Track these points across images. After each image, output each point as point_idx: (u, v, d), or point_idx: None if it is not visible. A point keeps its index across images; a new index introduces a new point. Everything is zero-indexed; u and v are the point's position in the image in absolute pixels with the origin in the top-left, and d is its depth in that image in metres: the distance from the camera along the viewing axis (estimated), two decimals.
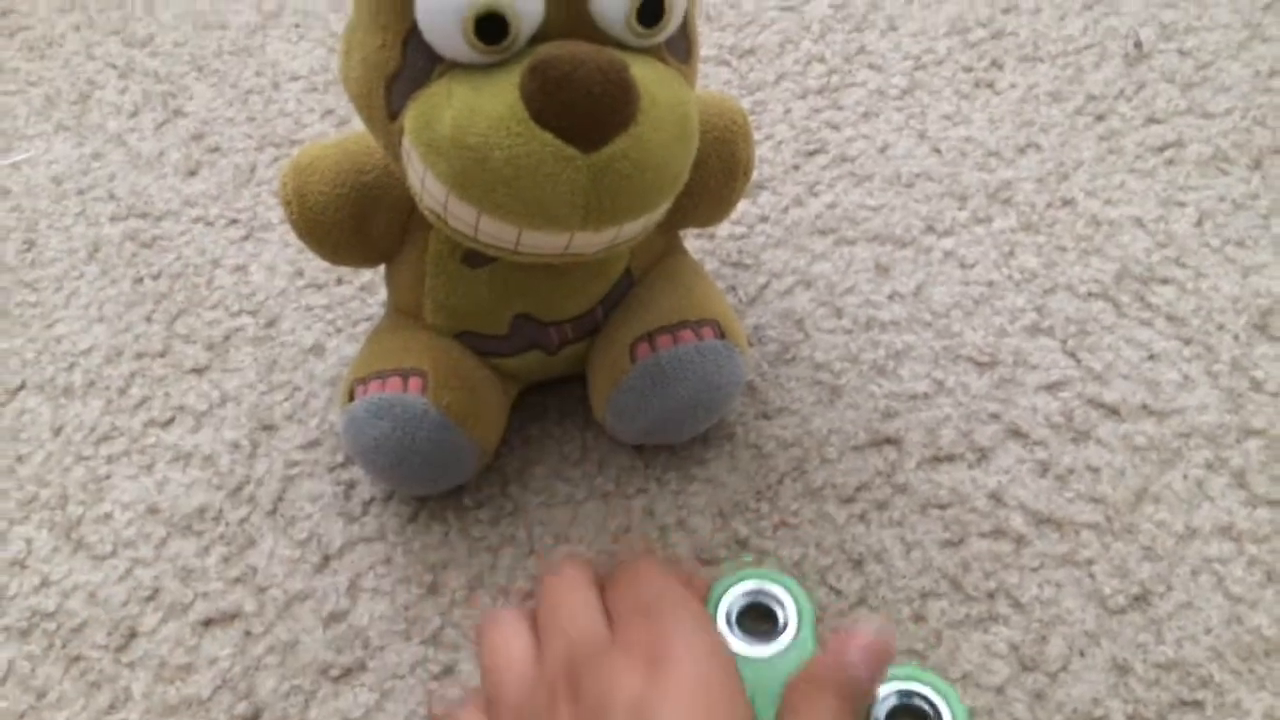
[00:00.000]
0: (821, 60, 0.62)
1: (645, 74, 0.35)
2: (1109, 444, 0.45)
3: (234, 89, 0.67)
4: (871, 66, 0.61)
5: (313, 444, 0.49)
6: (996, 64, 0.60)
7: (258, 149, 0.63)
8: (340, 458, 0.49)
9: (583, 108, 0.34)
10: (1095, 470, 0.45)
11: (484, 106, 0.34)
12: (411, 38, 0.36)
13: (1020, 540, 0.44)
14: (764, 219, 0.55)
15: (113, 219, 0.61)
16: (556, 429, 0.49)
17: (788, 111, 0.60)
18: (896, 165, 0.56)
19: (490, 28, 0.34)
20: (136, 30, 0.72)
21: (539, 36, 0.35)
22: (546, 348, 0.45)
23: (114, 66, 0.70)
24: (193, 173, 0.63)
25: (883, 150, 0.57)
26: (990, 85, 0.59)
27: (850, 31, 0.63)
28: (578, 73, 0.34)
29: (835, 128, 0.58)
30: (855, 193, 0.56)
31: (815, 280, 0.53)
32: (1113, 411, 0.46)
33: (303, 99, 0.66)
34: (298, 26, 0.70)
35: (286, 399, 0.52)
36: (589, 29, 0.35)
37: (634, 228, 0.39)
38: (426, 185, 0.37)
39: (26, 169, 0.64)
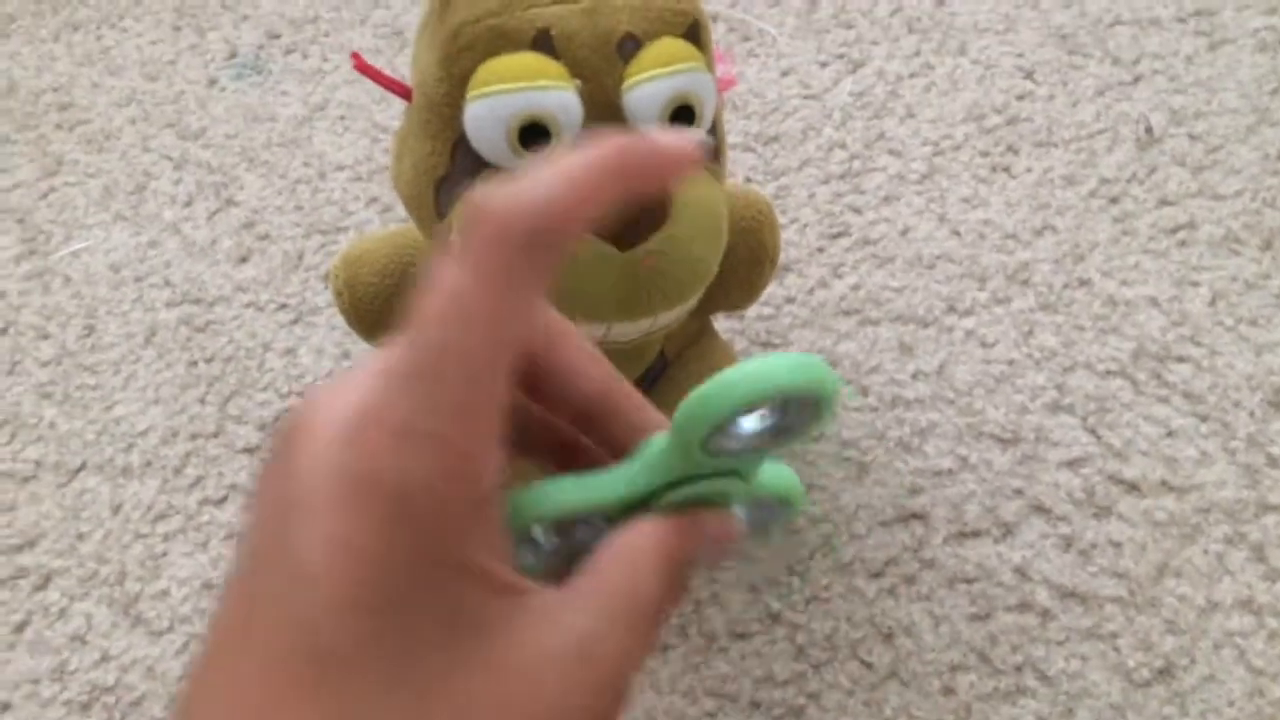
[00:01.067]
0: (843, 146, 0.64)
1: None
2: (1130, 519, 0.47)
3: (282, 179, 0.70)
4: (891, 152, 0.63)
5: None
6: (1012, 149, 0.62)
7: (305, 236, 0.67)
8: None
9: (621, 210, 0.36)
10: (1117, 545, 0.46)
11: None
12: (460, 145, 0.38)
13: (1046, 614, 0.45)
14: (790, 300, 0.57)
15: (168, 305, 0.64)
16: None
17: (811, 196, 0.62)
18: (918, 247, 0.58)
19: (533, 136, 0.37)
20: (190, 123, 0.76)
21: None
22: None
23: (169, 158, 0.74)
24: (244, 259, 0.66)
25: (904, 233, 0.59)
26: (1007, 170, 0.61)
27: (870, 119, 0.66)
28: None
29: (858, 211, 0.61)
30: (878, 274, 0.58)
31: (841, 359, 0.55)
32: (1133, 487, 0.48)
33: (348, 188, 0.69)
34: (343, 119, 0.74)
35: None
36: None
37: (668, 317, 0.41)
38: None
39: (86, 257, 0.68)
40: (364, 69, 0.39)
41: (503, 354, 0.19)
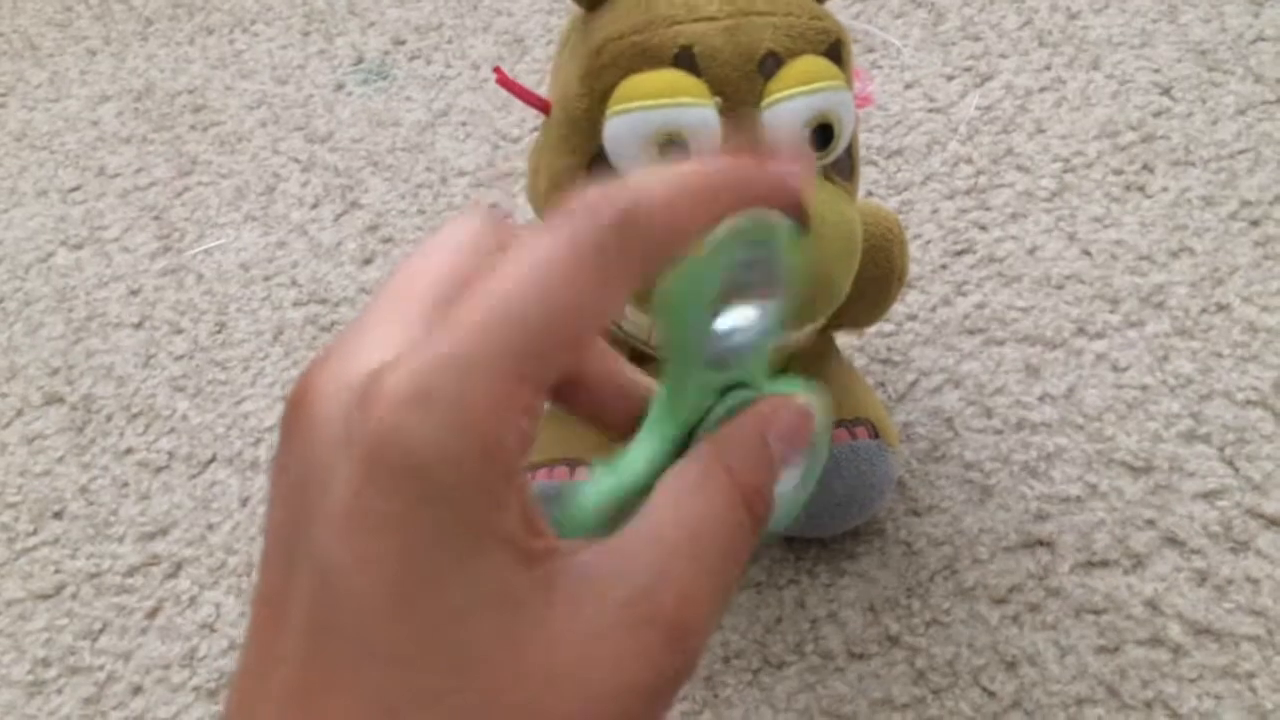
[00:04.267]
0: (969, 161, 0.63)
1: (814, 194, 0.38)
2: (1270, 555, 0.45)
3: (405, 183, 0.72)
4: (1020, 168, 0.62)
5: None
6: (1148, 168, 0.60)
7: None
8: None
9: None
10: (1255, 582, 0.45)
11: None
12: (597, 160, 0.39)
13: (1178, 650, 0.44)
14: (912, 317, 0.56)
15: (295, 304, 0.66)
16: None
17: (935, 211, 0.61)
18: (1046, 267, 0.57)
19: (672, 153, 0.37)
20: (318, 127, 0.78)
21: None
22: None
23: (297, 161, 0.76)
24: (368, 261, 0.67)
25: (1032, 251, 0.58)
26: (1141, 189, 0.59)
27: (998, 133, 0.64)
28: None
29: (983, 228, 0.60)
30: (1004, 293, 0.57)
31: (964, 379, 0.54)
32: (1273, 522, 0.46)
33: (469, 193, 0.70)
34: (464, 125, 0.75)
35: None
36: None
37: (797, 336, 0.41)
38: None
39: (218, 255, 0.70)
40: (506, 83, 0.40)
41: (567, 326, 0.18)
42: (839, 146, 0.38)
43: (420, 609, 0.17)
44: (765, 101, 0.37)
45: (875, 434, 0.45)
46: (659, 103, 0.36)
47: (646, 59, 0.37)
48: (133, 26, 0.92)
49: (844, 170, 0.40)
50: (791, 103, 0.37)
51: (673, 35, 0.37)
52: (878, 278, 0.46)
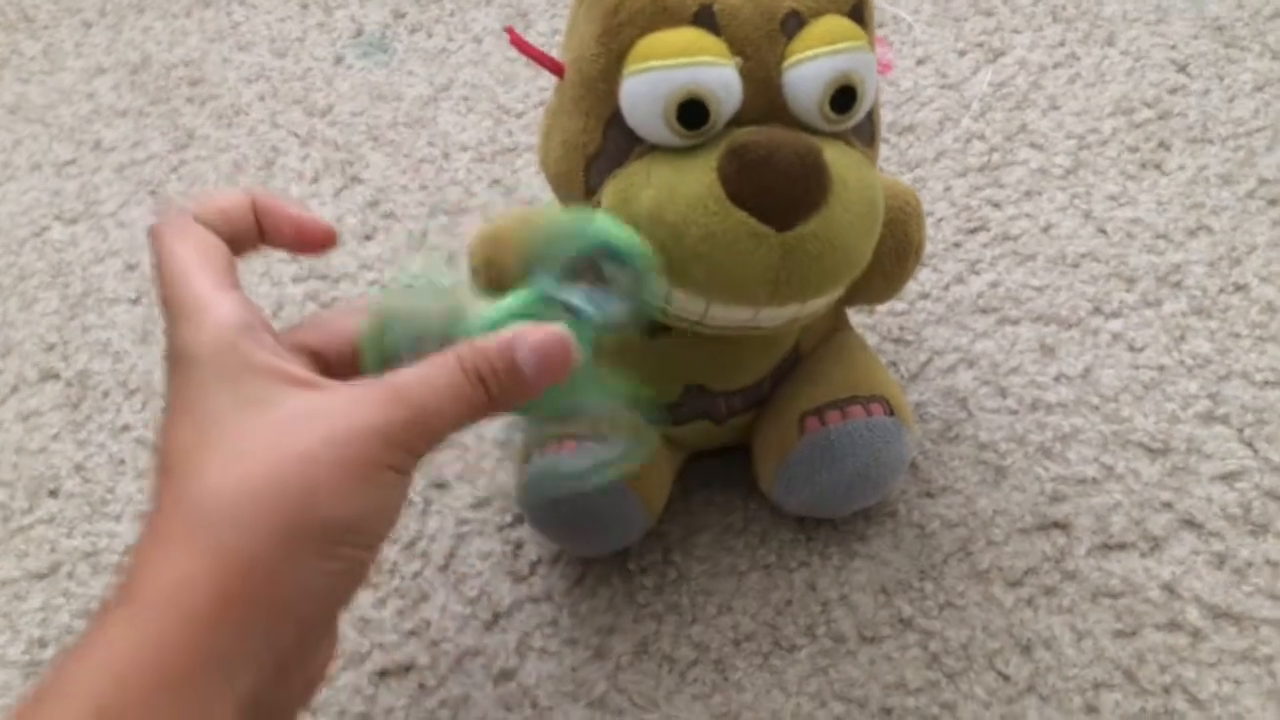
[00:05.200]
0: (982, 138, 0.62)
1: (836, 157, 0.37)
2: None
3: (407, 158, 0.71)
4: (1033, 145, 0.61)
5: (482, 504, 0.51)
6: (1164, 145, 0.59)
7: (430, 216, 0.67)
8: (509, 517, 0.51)
9: (780, 190, 0.35)
10: (1275, 565, 0.44)
11: (682, 186, 0.36)
12: (613, 122, 0.38)
13: (1197, 634, 0.43)
14: (925, 296, 0.55)
15: (295, 280, 0.64)
16: (719, 498, 0.50)
17: (948, 189, 0.60)
18: (1061, 245, 0.56)
19: (691, 113, 0.36)
20: (317, 100, 0.76)
21: (735, 121, 0.37)
22: (714, 417, 0.46)
23: (296, 135, 0.74)
24: (368, 237, 0.66)
25: (1046, 230, 0.57)
26: (1158, 166, 0.58)
27: (1011, 110, 0.63)
28: (774, 156, 0.35)
29: (997, 206, 0.59)
30: (1018, 272, 0.56)
31: (978, 359, 0.53)
32: None
33: (471, 168, 0.69)
34: (466, 99, 0.74)
35: (458, 458, 0.54)
36: (783, 115, 0.37)
37: (817, 304, 0.40)
38: None
39: None
40: (519, 43, 0.39)
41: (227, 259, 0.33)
42: (861, 110, 0.37)
43: (193, 402, 0.29)
44: (787, 62, 0.36)
45: (890, 411, 0.44)
46: (679, 62, 0.35)
47: (665, 17, 0.36)
48: None
49: (865, 135, 0.39)
50: (815, 63, 0.36)
51: None
52: (895, 252, 0.44)
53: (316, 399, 0.30)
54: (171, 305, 0.31)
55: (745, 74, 0.36)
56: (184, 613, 0.27)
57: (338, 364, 0.34)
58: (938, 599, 0.45)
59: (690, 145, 0.37)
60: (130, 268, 0.67)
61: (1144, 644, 0.43)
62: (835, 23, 0.36)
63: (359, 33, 0.82)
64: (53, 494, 0.55)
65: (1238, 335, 0.51)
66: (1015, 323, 0.54)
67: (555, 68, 0.39)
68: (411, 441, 0.30)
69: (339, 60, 0.80)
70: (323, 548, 0.28)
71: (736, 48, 0.36)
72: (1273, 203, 0.55)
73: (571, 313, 0.34)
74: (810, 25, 0.36)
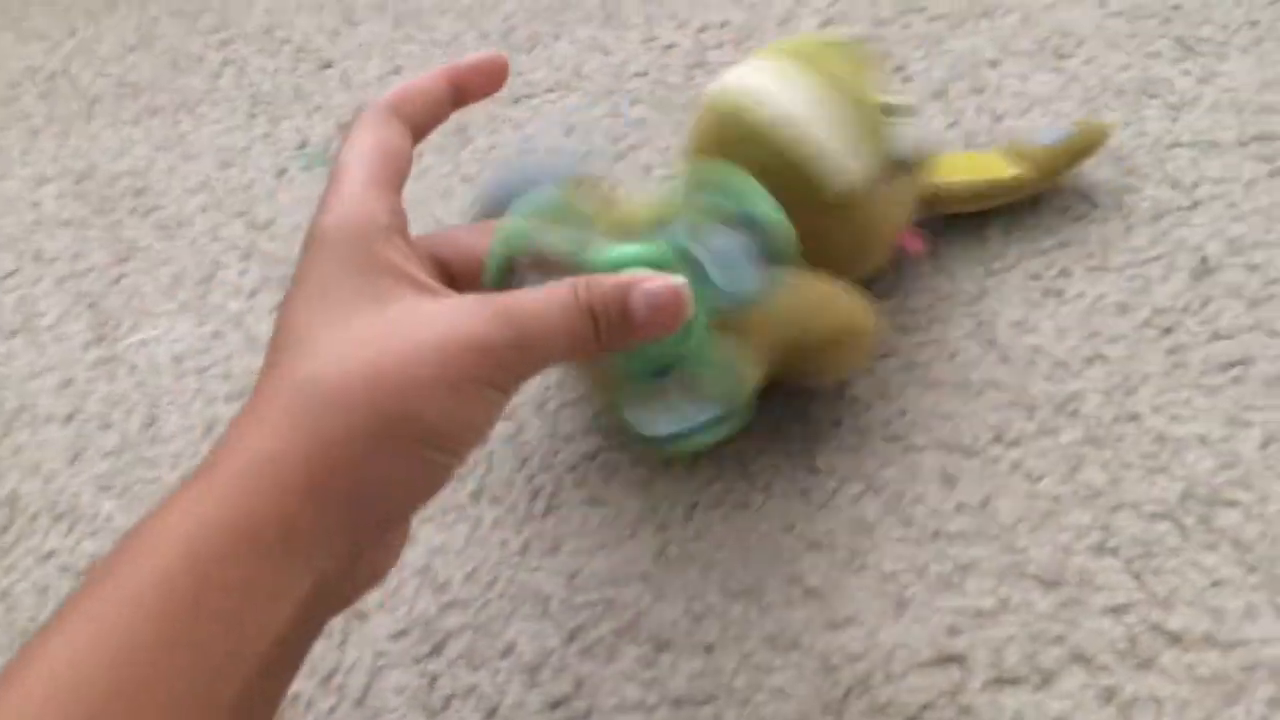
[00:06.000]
0: (895, 267, 0.64)
1: None
2: (1172, 674, 0.46)
3: None
4: (941, 271, 0.63)
5: (401, 634, 0.52)
6: (1065, 273, 0.62)
7: None
8: (426, 648, 0.52)
9: None
10: (1159, 701, 0.45)
11: None
12: None
13: None
14: (837, 423, 0.57)
15: (227, 399, 0.66)
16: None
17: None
18: (965, 372, 0.58)
19: None
20: (259, 213, 0.78)
21: None
22: None
23: (237, 248, 0.76)
24: None
25: (952, 357, 0.59)
26: (1059, 294, 0.61)
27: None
28: None
29: (905, 331, 0.61)
30: (925, 399, 0.58)
31: (884, 487, 0.55)
32: (1176, 639, 0.47)
33: None
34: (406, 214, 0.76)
35: (378, 586, 0.55)
36: None
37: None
38: None
39: (151, 346, 0.70)
40: None
41: (393, 165, 0.37)
42: None
43: (329, 291, 0.32)
44: None
45: None
46: None
47: None
48: (77, 106, 0.92)
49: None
50: None
51: None
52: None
53: (430, 304, 0.32)
54: (328, 192, 0.35)
55: None
56: (273, 485, 0.28)
57: (463, 277, 0.36)
58: None
59: None
60: (66, 383, 0.68)
61: None
62: None
63: (303, 144, 0.84)
64: None
65: (1129, 465, 0.53)
66: (920, 450, 0.56)
67: None
68: (513, 362, 0.32)
69: (282, 172, 0.82)
70: (410, 447, 0.30)
71: None
72: (1166, 331, 0.58)
73: (698, 270, 0.35)
74: None
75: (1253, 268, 0.60)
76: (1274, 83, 0.70)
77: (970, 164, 0.64)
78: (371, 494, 0.30)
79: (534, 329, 0.32)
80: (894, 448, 0.56)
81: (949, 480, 0.54)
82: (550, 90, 0.82)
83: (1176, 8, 0.77)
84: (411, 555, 0.56)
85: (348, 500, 0.30)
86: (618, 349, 0.34)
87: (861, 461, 0.56)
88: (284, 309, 0.33)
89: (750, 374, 0.39)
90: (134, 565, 0.28)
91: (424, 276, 0.33)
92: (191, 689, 0.27)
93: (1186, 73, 0.72)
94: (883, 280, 0.63)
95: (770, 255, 0.36)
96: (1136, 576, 0.49)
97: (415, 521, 0.57)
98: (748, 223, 0.36)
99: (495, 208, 0.41)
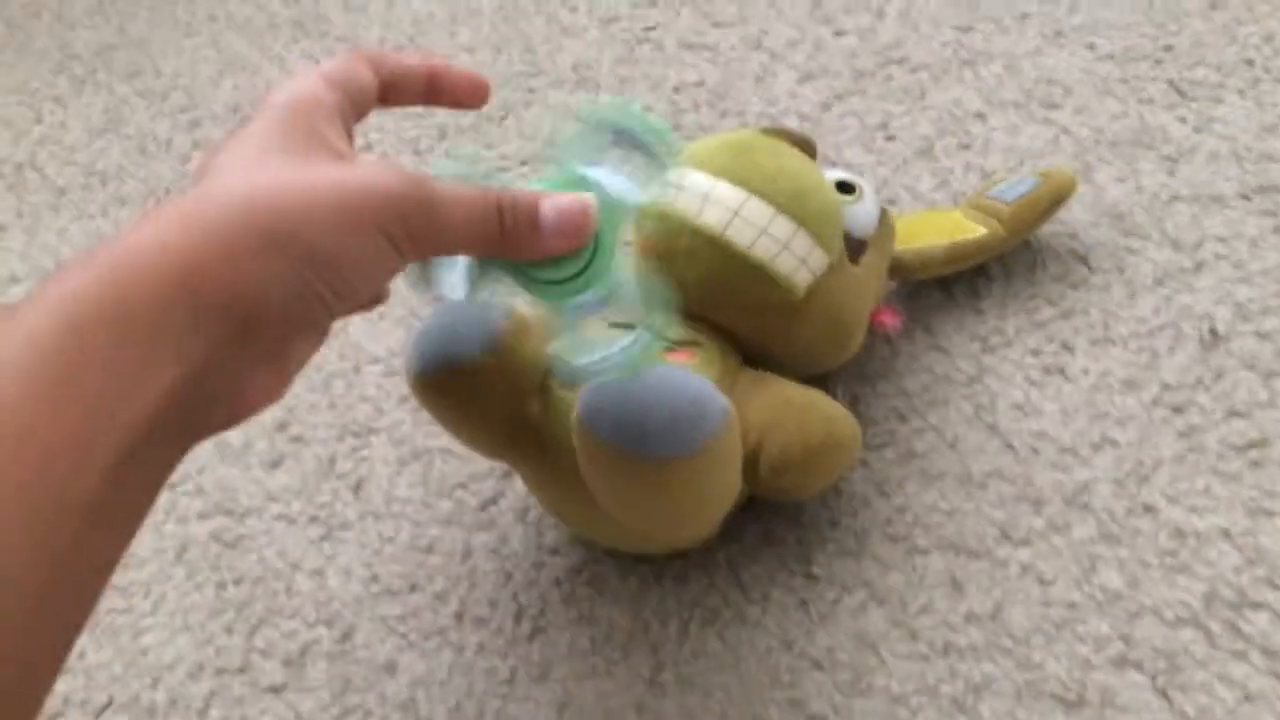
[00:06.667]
0: (887, 341, 0.62)
1: None
2: None
3: (318, 373, 0.70)
4: (937, 349, 0.61)
5: None
6: (1067, 347, 0.59)
7: (338, 439, 0.65)
8: None
9: None
10: None
11: None
12: None
13: None
14: (834, 524, 0.54)
15: (200, 517, 0.63)
16: None
17: (855, 400, 0.59)
18: (967, 463, 0.55)
19: None
20: None
21: None
22: None
23: None
24: (276, 464, 0.65)
25: (952, 445, 0.56)
26: (1061, 371, 0.58)
27: (915, 310, 0.63)
28: None
29: (901, 418, 0.58)
30: (927, 494, 0.55)
31: (887, 596, 0.52)
32: None
33: (381, 384, 0.68)
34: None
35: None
36: None
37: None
38: None
39: None
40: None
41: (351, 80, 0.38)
42: None
43: (284, 145, 0.34)
44: None
45: None
46: None
47: None
48: (45, 197, 0.90)
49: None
50: None
51: None
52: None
53: (347, 166, 0.34)
54: (286, 80, 0.37)
55: None
56: (151, 274, 0.29)
57: None
58: None
59: None
60: None
61: None
62: None
63: None
64: None
65: (1147, 565, 0.50)
66: (925, 553, 0.53)
67: None
68: (414, 221, 0.33)
69: None
70: (293, 265, 0.31)
71: None
72: (1177, 410, 0.55)
73: (597, 192, 0.38)
74: None
75: (1264, 336, 0.57)
76: (1274, 127, 0.67)
77: (933, 224, 0.61)
78: (246, 306, 0.31)
79: (442, 198, 0.34)
80: (896, 550, 0.53)
81: (956, 586, 0.51)
82: (524, 164, 0.79)
83: (1168, 48, 0.74)
84: (393, 688, 0.53)
85: (222, 306, 0.30)
86: (525, 253, 0.36)
87: (862, 567, 0.53)
88: (211, 153, 0.34)
89: (663, 294, 0.40)
90: (6, 329, 0.28)
91: (350, 152, 0.35)
92: (53, 454, 0.27)
93: (1182, 120, 0.69)
94: (874, 361, 0.60)
95: (655, 158, 0.40)
96: (1163, 694, 0.46)
97: (396, 649, 0.54)
98: (628, 138, 0.39)
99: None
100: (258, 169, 0.33)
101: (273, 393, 0.36)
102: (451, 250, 0.37)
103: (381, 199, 0.32)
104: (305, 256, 0.31)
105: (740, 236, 0.49)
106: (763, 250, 0.49)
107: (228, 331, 0.31)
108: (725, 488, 0.47)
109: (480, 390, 0.48)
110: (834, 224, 0.51)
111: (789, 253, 0.49)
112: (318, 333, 0.35)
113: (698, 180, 0.50)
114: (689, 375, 0.44)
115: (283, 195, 0.32)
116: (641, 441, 0.42)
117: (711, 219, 0.49)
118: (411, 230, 0.33)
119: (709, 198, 0.49)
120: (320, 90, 0.36)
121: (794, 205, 0.49)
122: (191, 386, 0.30)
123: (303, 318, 0.33)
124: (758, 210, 0.49)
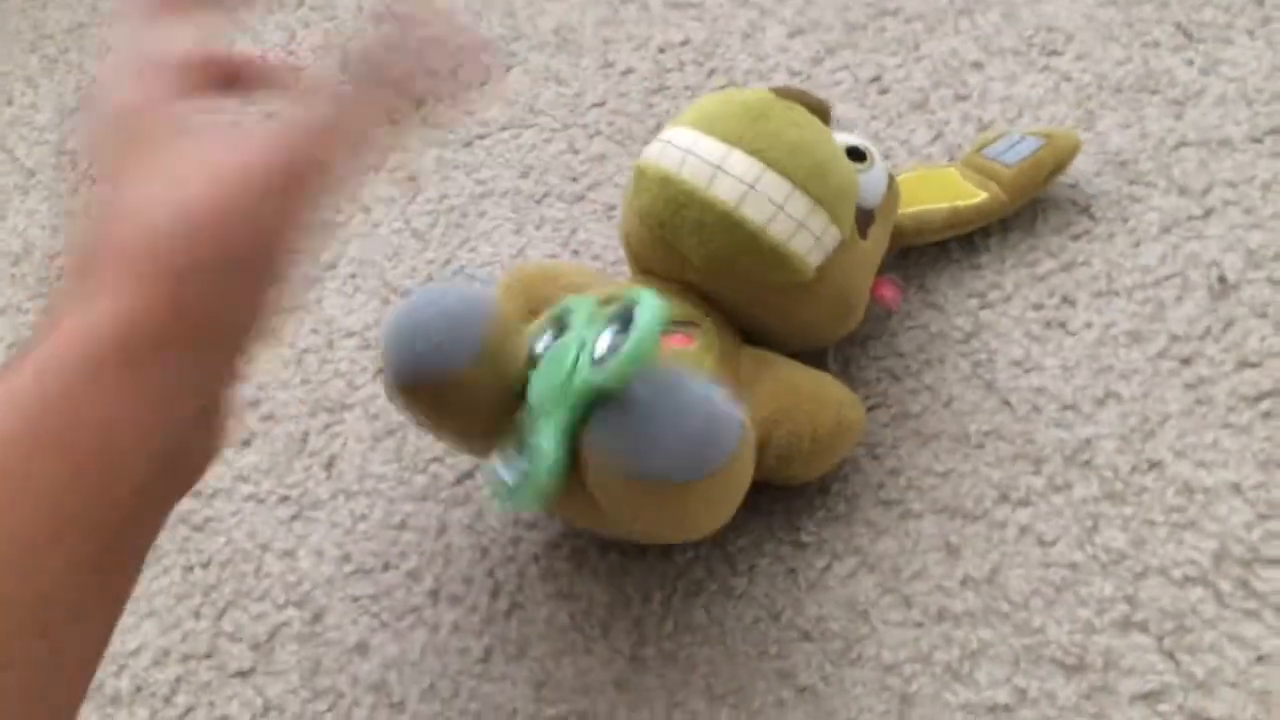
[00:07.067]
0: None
1: None
2: None
3: (291, 348, 0.67)
4: (932, 305, 0.58)
5: None
6: (1068, 300, 0.56)
7: (310, 415, 0.63)
8: None
9: None
10: None
11: None
12: None
13: None
14: (824, 490, 0.52)
15: None
16: None
17: (848, 361, 0.57)
18: (963, 422, 0.53)
19: None
20: None
21: None
22: None
23: None
24: (246, 443, 0.63)
25: (948, 404, 0.53)
26: (1063, 325, 0.55)
27: (909, 267, 0.60)
28: None
29: (895, 377, 0.55)
30: (921, 455, 0.52)
31: (879, 562, 0.49)
32: None
33: (356, 358, 0.65)
34: (354, 277, 0.71)
35: (329, 709, 0.50)
36: None
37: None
38: None
39: None
40: None
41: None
42: None
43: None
44: None
45: None
46: None
47: None
48: (15, 179, 0.87)
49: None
50: None
51: None
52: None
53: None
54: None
55: None
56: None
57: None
58: None
59: None
60: None
61: None
62: None
63: None
64: None
65: (1153, 523, 0.47)
66: (918, 517, 0.50)
67: None
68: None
69: None
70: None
71: None
72: (1185, 362, 0.52)
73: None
74: None
75: (1276, 282, 0.54)
76: None
77: (930, 186, 0.58)
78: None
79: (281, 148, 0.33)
80: (888, 514, 0.50)
81: (952, 550, 0.49)
82: (505, 129, 0.76)
83: None
84: (365, 669, 0.51)
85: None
86: None
87: (853, 532, 0.50)
88: (100, 139, 0.34)
89: (551, 466, 0.41)
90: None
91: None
92: (56, 499, 0.28)
93: (1189, 62, 0.66)
94: (867, 320, 0.58)
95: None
96: (1170, 655, 0.43)
97: (368, 629, 0.52)
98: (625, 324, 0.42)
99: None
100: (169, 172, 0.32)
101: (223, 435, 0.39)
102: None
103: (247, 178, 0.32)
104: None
105: (755, 213, 0.46)
106: (778, 229, 0.46)
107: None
108: (739, 493, 0.44)
109: (465, 399, 0.45)
110: (851, 199, 0.48)
111: (806, 231, 0.46)
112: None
113: (709, 147, 0.47)
114: (701, 390, 0.41)
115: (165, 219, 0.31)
116: (656, 467, 0.40)
117: (723, 192, 0.46)
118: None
119: (721, 168, 0.46)
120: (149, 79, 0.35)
121: (813, 181, 0.46)
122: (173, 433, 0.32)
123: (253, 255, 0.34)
124: (775, 185, 0.46)
